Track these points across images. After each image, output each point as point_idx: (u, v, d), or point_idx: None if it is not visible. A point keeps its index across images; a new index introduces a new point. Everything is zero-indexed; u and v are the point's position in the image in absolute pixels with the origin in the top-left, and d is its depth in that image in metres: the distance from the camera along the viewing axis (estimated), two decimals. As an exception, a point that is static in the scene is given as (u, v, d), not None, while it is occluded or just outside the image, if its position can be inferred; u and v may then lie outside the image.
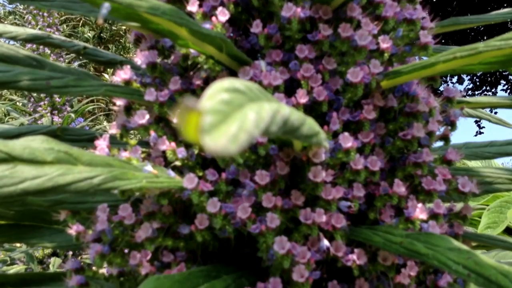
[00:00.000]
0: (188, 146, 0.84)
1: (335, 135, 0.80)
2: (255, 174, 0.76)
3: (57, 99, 2.84)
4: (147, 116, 0.82)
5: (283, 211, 0.75)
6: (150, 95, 0.83)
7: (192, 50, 0.84)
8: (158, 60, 0.88)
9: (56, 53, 3.02)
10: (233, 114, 0.32)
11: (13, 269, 2.56)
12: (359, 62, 0.82)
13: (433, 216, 0.81)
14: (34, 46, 2.85)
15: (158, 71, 0.88)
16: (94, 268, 0.87)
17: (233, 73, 0.83)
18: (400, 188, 0.80)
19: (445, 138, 0.97)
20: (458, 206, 0.87)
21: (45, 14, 3.41)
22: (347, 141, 0.77)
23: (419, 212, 0.78)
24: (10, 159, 0.66)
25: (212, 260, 0.88)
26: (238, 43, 0.86)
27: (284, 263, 0.71)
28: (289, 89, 0.84)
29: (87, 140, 0.97)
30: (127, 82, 0.88)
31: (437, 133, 0.93)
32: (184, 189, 0.75)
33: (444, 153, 0.91)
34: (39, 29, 3.16)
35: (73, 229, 0.87)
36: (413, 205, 0.79)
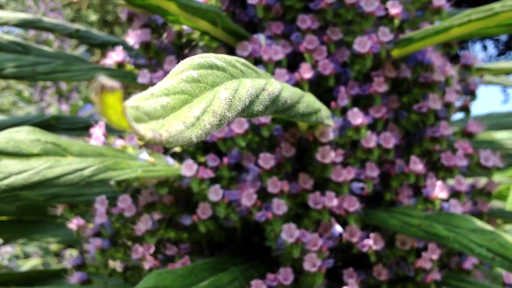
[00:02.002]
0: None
1: (344, 111, 0.74)
2: (259, 157, 0.70)
3: (64, 86, 2.80)
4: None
5: (290, 196, 0.70)
6: (144, 77, 0.78)
7: (185, 27, 0.78)
8: (152, 39, 0.83)
9: (61, 39, 2.97)
10: (200, 94, 0.27)
11: (29, 263, 2.54)
12: (366, 30, 0.75)
13: (455, 194, 0.75)
14: (36, 32, 2.81)
15: (153, 51, 0.82)
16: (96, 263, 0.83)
17: (231, 50, 0.77)
18: (417, 165, 0.73)
19: (465, 109, 0.90)
20: (482, 181, 0.81)
21: (47, -1, 3.36)
22: (357, 117, 0.71)
23: (439, 190, 0.72)
24: (-8, 153, 0.61)
25: (220, 251, 0.83)
26: (236, 17, 0.80)
27: (294, 252, 0.65)
28: (292, 63, 0.78)
29: (82, 128, 0.92)
30: (120, 65, 0.83)
31: (456, 104, 0.87)
32: (183, 177, 0.69)
33: (465, 125, 0.85)
34: (42, 14, 3.11)
35: (74, 223, 0.82)
36: (432, 183, 0.73)
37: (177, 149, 0.76)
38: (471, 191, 0.80)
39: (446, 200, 0.73)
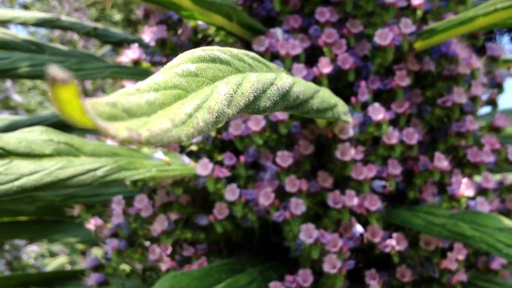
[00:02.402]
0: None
1: (364, 106, 0.71)
2: (277, 155, 0.68)
3: (89, 86, 2.81)
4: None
5: (309, 196, 0.67)
6: (159, 75, 0.76)
7: (200, 22, 0.76)
8: (169, 36, 0.81)
9: (85, 39, 2.99)
10: (197, 90, 0.25)
11: (55, 262, 2.56)
12: (388, 22, 0.73)
13: (481, 191, 0.72)
14: (61, 33, 2.83)
15: (169, 48, 0.80)
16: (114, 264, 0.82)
17: (248, 45, 0.75)
18: (441, 162, 0.71)
19: (492, 102, 0.87)
20: (510, 178, 0.78)
21: None
22: (378, 112, 0.68)
23: (465, 188, 0.69)
24: (5, 154, 0.60)
25: (238, 251, 0.81)
26: (252, 11, 0.78)
27: (313, 253, 0.63)
28: (311, 58, 0.75)
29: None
30: (136, 62, 0.81)
31: (483, 97, 0.83)
32: (198, 177, 0.68)
33: (491, 120, 0.82)
34: (66, 14, 3.13)
35: (92, 223, 0.81)
36: (457, 181, 0.70)
37: (194, 148, 0.75)
38: (499, 188, 0.77)
39: (473, 198, 0.70)
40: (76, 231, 1.05)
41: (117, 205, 0.76)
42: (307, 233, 0.64)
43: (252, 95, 0.28)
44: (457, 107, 0.71)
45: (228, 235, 0.73)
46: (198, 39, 0.78)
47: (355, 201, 0.66)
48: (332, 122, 0.66)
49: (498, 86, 0.83)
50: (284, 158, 0.68)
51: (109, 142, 0.77)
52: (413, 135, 0.71)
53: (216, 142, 0.76)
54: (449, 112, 0.72)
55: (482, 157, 0.73)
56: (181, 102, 0.23)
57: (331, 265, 0.64)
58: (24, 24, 1.05)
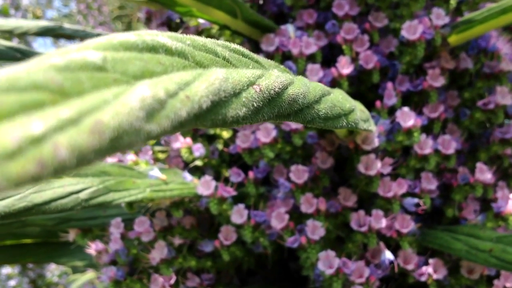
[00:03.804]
0: (209, 141, 0.68)
1: (392, 111, 0.62)
2: (290, 170, 0.59)
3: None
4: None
5: (329, 217, 0.58)
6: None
7: (201, 21, 0.68)
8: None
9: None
10: (88, 92, 0.16)
11: (83, 278, 2.51)
12: (417, 13, 0.63)
13: (533, 207, 0.61)
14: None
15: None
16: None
17: (258, 45, 0.66)
18: (484, 174, 0.60)
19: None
20: None
21: (96, 13, 3.35)
22: (408, 117, 0.58)
23: (514, 204, 0.59)
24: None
25: (253, 278, 0.72)
26: (263, 7, 0.69)
27: (334, 285, 0.54)
28: (329, 58, 0.66)
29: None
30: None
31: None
32: (200, 197, 0.59)
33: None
34: (91, 28, 3.09)
35: (92, 248, 0.73)
36: (504, 196, 0.60)
37: (198, 163, 0.66)
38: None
39: (523, 216, 0.59)
40: (83, 254, 0.97)
41: (115, 228, 0.68)
42: (327, 262, 0.54)
43: (209, 99, 0.20)
44: (500, 110, 0.61)
45: (238, 262, 0.64)
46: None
47: (383, 222, 0.56)
48: (353, 130, 0.57)
49: (547, 85, 0.72)
50: (299, 173, 0.58)
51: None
52: (450, 144, 0.61)
53: (224, 156, 0.68)
54: (491, 115, 0.62)
55: (532, 168, 0.62)
56: (34, 113, 0.15)
57: (356, 299, 0.54)
58: (26, 33, 0.99)
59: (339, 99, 0.34)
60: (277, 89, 0.25)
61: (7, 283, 2.59)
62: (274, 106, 0.25)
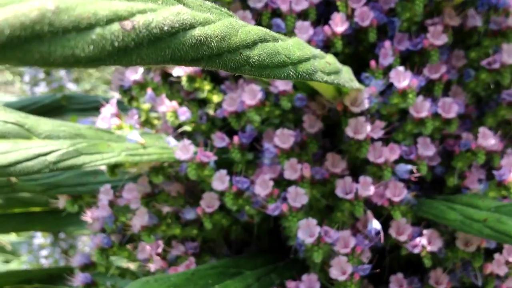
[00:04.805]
0: (199, 104, 0.65)
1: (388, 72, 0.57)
2: (275, 135, 0.56)
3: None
4: (141, 70, 0.64)
5: (316, 184, 0.54)
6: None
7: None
8: None
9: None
10: None
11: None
12: (416, -35, 0.58)
13: (542, 177, 0.56)
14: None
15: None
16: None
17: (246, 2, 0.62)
18: (488, 139, 0.55)
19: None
20: None
21: None
22: (403, 77, 0.54)
23: (518, 172, 0.54)
24: None
25: (249, 248, 0.69)
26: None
27: (315, 255, 0.50)
28: (326, 17, 0.62)
29: (95, 108, 0.82)
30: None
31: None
32: (181, 162, 0.56)
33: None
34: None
35: (88, 216, 0.72)
36: (508, 163, 0.55)
37: (187, 128, 0.63)
38: None
39: (529, 186, 0.54)
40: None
41: (104, 195, 0.66)
42: (308, 230, 0.51)
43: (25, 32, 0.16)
44: (507, 70, 0.56)
45: (224, 231, 0.61)
46: None
47: (372, 190, 0.52)
48: (342, 91, 0.53)
49: None
50: (284, 137, 0.55)
51: (99, 123, 0.67)
52: (451, 107, 0.56)
53: (216, 122, 0.65)
54: (498, 76, 0.57)
55: (543, 133, 0.57)
56: None
57: (340, 270, 0.51)
58: None
59: (288, 46, 0.30)
60: (168, 28, 0.22)
61: (39, 252, 2.64)
62: (164, 47, 0.22)
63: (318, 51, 0.37)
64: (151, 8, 0.22)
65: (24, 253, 2.76)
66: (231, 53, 0.26)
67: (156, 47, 0.22)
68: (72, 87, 2.88)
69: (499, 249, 0.54)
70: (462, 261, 0.55)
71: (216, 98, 0.62)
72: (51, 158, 0.50)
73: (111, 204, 0.65)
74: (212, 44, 0.24)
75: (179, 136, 0.64)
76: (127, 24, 0.20)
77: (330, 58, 0.39)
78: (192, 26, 0.23)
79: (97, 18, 0.19)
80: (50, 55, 0.18)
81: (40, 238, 2.75)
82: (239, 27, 0.27)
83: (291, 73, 0.30)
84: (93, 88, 3.66)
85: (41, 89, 2.95)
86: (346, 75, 0.43)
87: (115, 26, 0.20)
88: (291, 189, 0.52)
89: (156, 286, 0.51)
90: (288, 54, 0.30)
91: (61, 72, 2.86)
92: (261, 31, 0.29)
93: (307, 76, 0.31)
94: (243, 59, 0.26)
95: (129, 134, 0.56)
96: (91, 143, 0.53)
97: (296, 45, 0.32)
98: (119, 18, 0.20)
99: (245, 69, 0.26)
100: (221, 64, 0.25)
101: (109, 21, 0.20)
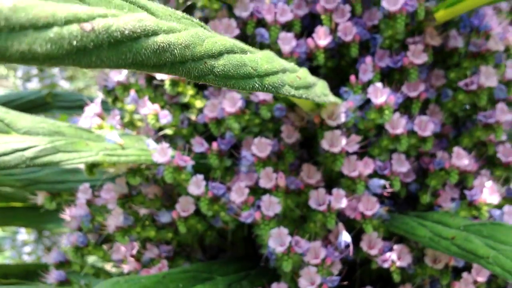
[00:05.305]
0: (182, 109, 0.65)
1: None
2: (253, 143, 0.56)
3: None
4: (125, 71, 0.64)
5: (290, 194, 0.55)
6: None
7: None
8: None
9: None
10: None
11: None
12: (400, -16, 0.59)
13: (513, 198, 0.57)
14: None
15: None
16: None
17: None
18: (461, 160, 0.56)
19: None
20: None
21: None
22: (380, 94, 0.55)
23: (488, 193, 0.55)
24: None
25: (224, 254, 0.70)
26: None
27: (284, 264, 0.51)
28: (310, 30, 0.62)
29: (80, 107, 0.82)
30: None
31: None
32: (159, 165, 0.57)
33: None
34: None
35: (67, 214, 0.72)
36: (480, 184, 0.56)
37: (169, 132, 0.64)
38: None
39: (499, 207, 0.55)
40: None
41: (82, 194, 0.66)
42: (279, 239, 0.51)
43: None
44: (484, 92, 0.57)
45: (199, 236, 0.62)
46: (179, 5, 0.67)
47: (344, 202, 0.53)
48: (320, 104, 0.53)
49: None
50: (262, 146, 0.56)
51: (82, 122, 0.67)
52: (427, 125, 0.57)
53: (198, 127, 0.65)
54: (475, 98, 0.58)
55: (516, 156, 0.58)
56: None
57: (309, 280, 0.51)
58: None
59: (256, 59, 0.31)
60: (129, 32, 0.23)
61: (22, 249, 2.63)
62: (125, 51, 0.23)
63: (290, 65, 0.38)
64: (113, 13, 0.23)
65: (8, 249, 2.74)
66: (195, 61, 0.26)
67: (117, 50, 0.22)
68: (64, 85, 2.88)
69: (468, 268, 0.55)
70: (430, 278, 0.55)
71: (199, 103, 0.63)
72: (28, 153, 0.50)
73: (89, 203, 0.66)
74: (176, 51, 0.25)
75: (161, 139, 0.65)
76: (86, 26, 0.21)
77: (302, 73, 0.40)
78: (155, 33, 0.24)
79: (56, 18, 0.20)
80: (7, 49, 0.19)
81: (24, 234, 2.73)
82: (205, 37, 0.28)
83: (257, 85, 0.31)
84: (87, 87, 3.65)
85: (34, 85, 2.94)
86: (319, 90, 0.44)
87: (74, 27, 0.21)
88: (265, 198, 0.53)
89: (126, 287, 0.51)
90: (255, 66, 0.30)
91: (55, 69, 2.86)
92: (228, 42, 0.30)
93: (273, 89, 0.32)
94: (207, 68, 0.27)
95: (108, 134, 0.56)
96: (70, 141, 0.53)
97: (265, 58, 0.32)
98: (78, 20, 0.21)
99: (210, 78, 0.27)
100: (184, 71, 0.26)
101: (68, 21, 0.21)
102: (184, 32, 0.26)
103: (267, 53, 0.34)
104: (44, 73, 2.95)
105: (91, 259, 0.77)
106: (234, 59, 0.29)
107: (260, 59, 0.31)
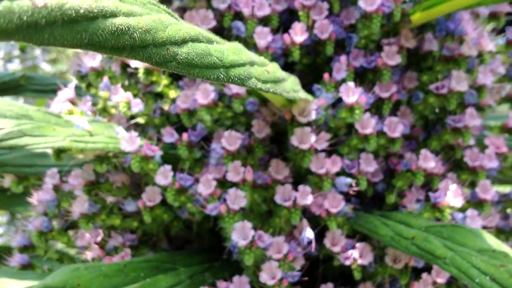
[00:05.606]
0: (156, 98, 0.65)
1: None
2: (223, 136, 0.56)
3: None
4: (99, 57, 0.64)
5: (258, 188, 0.55)
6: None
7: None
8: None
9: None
10: None
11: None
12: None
13: (477, 203, 0.58)
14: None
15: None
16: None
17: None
18: (428, 162, 0.57)
19: (511, 99, 0.72)
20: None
21: None
22: (352, 93, 0.55)
23: (452, 196, 0.55)
24: None
25: (190, 246, 0.70)
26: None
27: (246, 258, 0.51)
28: (288, 26, 0.62)
29: (53, 91, 0.81)
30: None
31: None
32: (127, 153, 0.56)
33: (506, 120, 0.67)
34: None
35: (35, 197, 0.71)
36: (445, 187, 0.57)
37: (141, 120, 0.63)
38: (503, 202, 0.62)
39: (463, 210, 0.56)
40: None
41: (50, 179, 0.66)
42: (242, 233, 0.51)
43: None
44: (454, 96, 0.58)
45: (165, 226, 0.61)
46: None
47: (310, 199, 0.53)
48: (292, 100, 0.53)
49: (518, 79, 0.68)
50: (232, 139, 0.56)
51: (53, 106, 0.66)
52: (396, 126, 0.57)
53: (172, 117, 0.65)
54: (445, 101, 0.58)
55: (482, 161, 0.59)
56: None
57: (270, 274, 0.52)
58: None
59: (222, 49, 0.31)
60: (84, 11, 0.22)
61: (-6, 230, 2.60)
62: (81, 31, 0.22)
63: (259, 59, 0.38)
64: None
65: (-21, 230, 2.71)
66: (157, 47, 0.26)
67: (71, 29, 0.22)
68: (46, 67, 2.85)
69: (428, 269, 0.55)
70: (390, 277, 0.56)
71: (172, 93, 0.62)
72: (-8, 136, 0.50)
73: (56, 188, 0.65)
74: (135, 35, 0.25)
75: (133, 128, 0.64)
76: (38, 2, 0.21)
77: (271, 67, 0.40)
78: (113, 15, 0.24)
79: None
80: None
81: (-3, 216, 2.70)
82: (168, 24, 0.27)
83: (222, 76, 0.31)
84: (69, 70, 3.62)
85: (15, 66, 2.90)
86: (289, 85, 0.44)
87: (25, 1, 0.20)
88: (231, 191, 0.53)
89: (86, 274, 0.51)
90: (220, 56, 0.30)
91: (36, 51, 2.83)
92: (194, 30, 0.30)
93: (238, 80, 0.32)
94: (169, 55, 0.27)
95: (76, 120, 0.56)
96: (37, 125, 0.53)
97: (232, 49, 0.32)
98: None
99: (172, 65, 0.27)
100: (145, 56, 0.26)
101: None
102: (146, 17, 0.26)
103: (235, 45, 0.34)
104: (26, 55, 2.92)
105: (60, 244, 0.76)
106: (199, 48, 0.29)
107: (226, 50, 0.31)
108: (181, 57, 0.27)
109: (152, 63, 0.26)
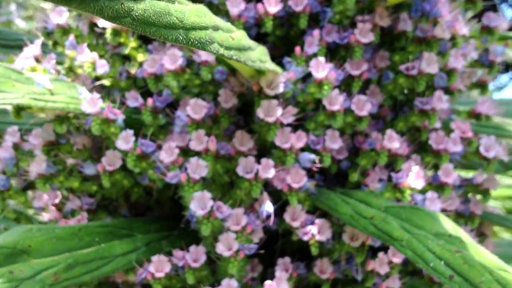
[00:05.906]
0: (124, 61, 0.63)
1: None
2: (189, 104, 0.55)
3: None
4: (66, 14, 0.62)
5: (220, 158, 0.54)
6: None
7: None
8: None
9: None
10: None
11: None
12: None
13: (438, 186, 0.58)
14: None
15: None
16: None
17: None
18: (392, 142, 0.57)
19: (481, 85, 0.72)
20: (480, 176, 0.63)
21: None
22: (321, 68, 0.54)
23: (414, 178, 0.55)
24: None
25: (151, 213, 0.69)
26: None
27: (203, 228, 0.51)
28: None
29: (19, 46, 0.78)
30: None
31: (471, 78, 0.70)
32: (88, 115, 0.55)
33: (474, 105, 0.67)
34: None
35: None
36: (407, 168, 0.57)
37: (106, 82, 0.62)
38: (464, 186, 0.63)
39: (423, 192, 0.56)
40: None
41: (10, 136, 0.64)
42: (201, 203, 0.51)
43: None
44: (423, 78, 0.57)
45: (124, 191, 0.60)
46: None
47: (272, 172, 0.53)
48: (260, 71, 0.52)
49: (490, 65, 0.68)
50: (197, 108, 0.54)
51: (18, 62, 0.64)
52: (364, 105, 0.57)
53: (139, 81, 0.63)
54: (414, 83, 0.58)
55: (446, 145, 0.59)
56: None
57: (227, 246, 0.51)
58: None
59: (183, 10, 0.30)
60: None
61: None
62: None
63: (225, 24, 0.37)
64: None
65: None
66: (110, 0, 0.25)
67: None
68: (20, 24, 2.77)
69: (384, 248, 0.56)
70: (347, 254, 0.56)
71: (140, 57, 0.61)
72: None
73: (16, 146, 0.63)
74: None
75: (98, 89, 0.63)
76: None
77: (238, 34, 0.38)
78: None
79: None
80: None
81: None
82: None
83: (181, 38, 0.29)
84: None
85: (-12, 21, 2.82)
86: (255, 55, 0.43)
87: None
88: (193, 160, 0.52)
89: (38, 236, 0.50)
90: (181, 17, 0.29)
91: (12, 7, 2.75)
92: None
93: (199, 44, 0.31)
94: (124, 10, 0.26)
95: (37, 78, 0.54)
96: (-5, 80, 0.51)
97: (195, 11, 0.31)
98: None
99: (126, 21, 0.26)
100: (96, 9, 0.25)
101: None
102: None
103: (199, 7, 0.33)
104: (0, 10, 2.83)
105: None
106: (158, 6, 0.27)
107: (188, 11, 0.30)
108: (137, 13, 0.26)
109: (104, 17, 0.25)
